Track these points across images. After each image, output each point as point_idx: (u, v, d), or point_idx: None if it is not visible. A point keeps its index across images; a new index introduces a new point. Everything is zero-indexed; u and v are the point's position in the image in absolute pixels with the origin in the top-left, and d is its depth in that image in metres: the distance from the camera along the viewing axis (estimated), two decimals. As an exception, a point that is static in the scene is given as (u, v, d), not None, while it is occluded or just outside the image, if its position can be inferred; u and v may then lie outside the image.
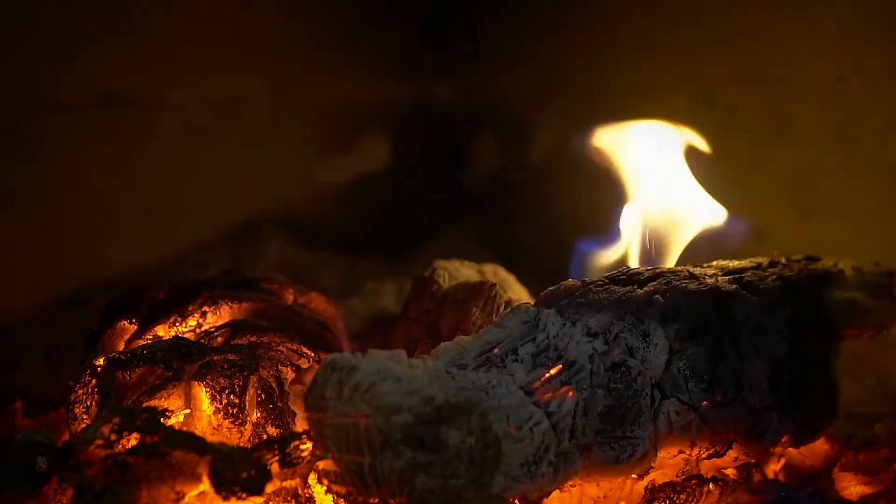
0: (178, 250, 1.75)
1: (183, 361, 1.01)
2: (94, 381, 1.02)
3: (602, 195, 1.28)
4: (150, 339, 1.10)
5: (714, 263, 1.05)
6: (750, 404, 0.95)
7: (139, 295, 1.16)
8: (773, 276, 0.99)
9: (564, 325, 0.95)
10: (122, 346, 1.12)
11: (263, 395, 1.03)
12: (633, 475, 0.98)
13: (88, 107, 1.61)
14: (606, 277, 1.02)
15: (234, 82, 1.77)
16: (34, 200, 1.56)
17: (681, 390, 0.94)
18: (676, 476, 1.01)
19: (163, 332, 1.10)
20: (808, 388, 0.97)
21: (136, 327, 1.12)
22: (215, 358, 1.02)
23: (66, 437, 1.06)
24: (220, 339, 1.10)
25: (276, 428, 1.03)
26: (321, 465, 0.86)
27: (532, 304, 1.00)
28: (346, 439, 0.83)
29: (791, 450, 1.07)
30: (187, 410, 1.00)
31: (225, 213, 1.83)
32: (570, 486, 0.95)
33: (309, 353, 1.10)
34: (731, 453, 0.98)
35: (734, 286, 0.98)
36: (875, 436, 1.17)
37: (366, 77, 1.95)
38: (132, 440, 0.86)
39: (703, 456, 0.98)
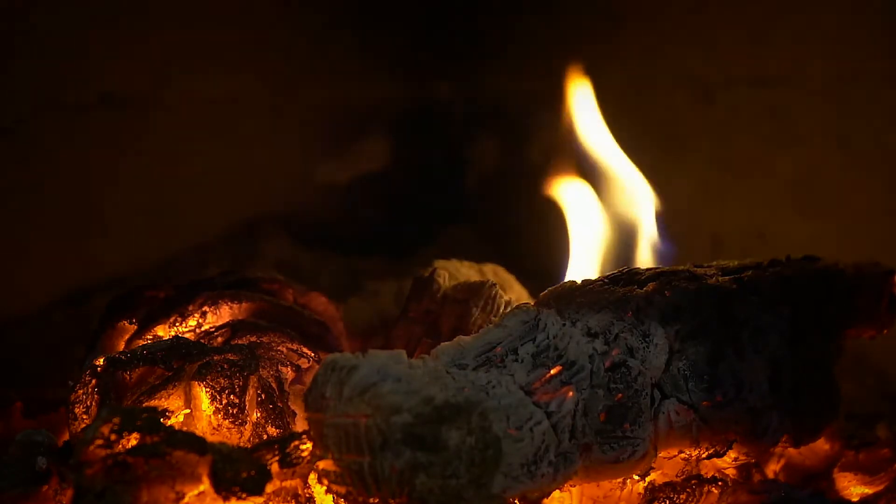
0: (178, 250, 1.75)
1: (183, 361, 1.01)
2: (94, 381, 1.02)
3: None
4: (150, 339, 1.10)
5: (714, 263, 1.04)
6: (750, 404, 0.95)
7: (139, 295, 1.16)
8: (773, 276, 0.99)
9: (564, 325, 0.95)
10: (122, 346, 1.12)
11: (263, 395, 1.03)
12: (633, 475, 0.98)
13: (88, 107, 1.61)
14: (606, 277, 1.02)
15: (234, 82, 1.77)
16: (34, 200, 1.56)
17: (681, 390, 0.94)
18: (676, 476, 1.01)
19: (163, 332, 1.10)
20: (808, 388, 0.97)
21: (136, 327, 1.12)
22: (215, 358, 1.02)
23: (66, 437, 1.06)
24: (220, 339, 1.10)
25: (276, 428, 1.03)
26: (321, 465, 0.86)
27: (532, 304, 1.00)
28: (346, 439, 0.83)
29: (791, 450, 1.07)
30: (187, 410, 1.00)
31: (225, 212, 1.83)
32: (570, 486, 0.95)
33: (309, 353, 1.10)
34: (731, 453, 0.98)
35: (734, 286, 0.98)
36: (875, 436, 1.17)
37: (366, 77, 1.95)
38: (132, 440, 0.86)
39: (703, 456, 0.98)
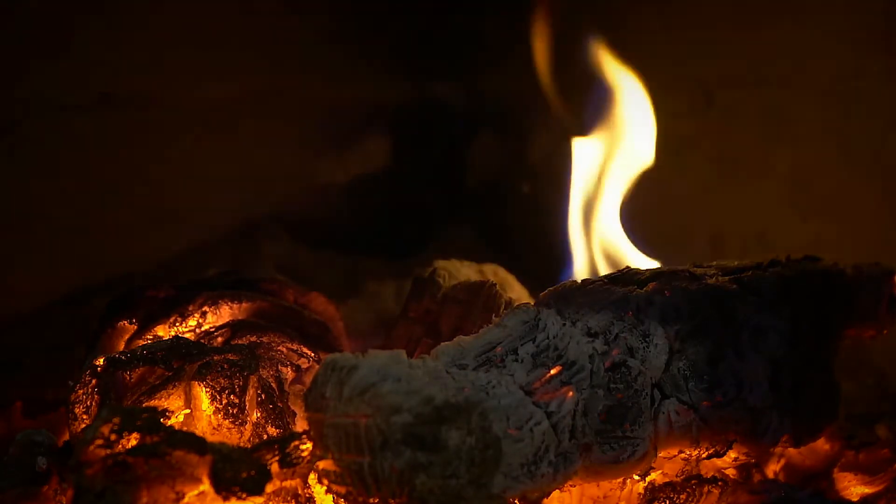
0: (178, 250, 1.75)
1: (183, 361, 1.01)
2: (94, 381, 1.02)
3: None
4: (150, 339, 1.10)
5: (714, 263, 1.05)
6: (750, 404, 0.95)
7: (139, 295, 1.16)
8: (773, 277, 1.00)
9: (564, 325, 0.95)
10: (122, 346, 1.12)
11: (263, 395, 1.03)
12: (634, 475, 0.98)
13: (88, 107, 1.61)
14: (606, 277, 1.02)
15: (234, 82, 1.77)
16: (34, 200, 1.56)
17: (681, 390, 0.94)
18: (676, 476, 1.01)
19: (163, 332, 1.10)
20: (808, 388, 0.97)
21: (136, 327, 1.12)
22: (215, 358, 1.02)
23: (66, 437, 1.06)
24: (220, 339, 1.10)
25: (276, 428, 1.03)
26: (321, 465, 0.86)
27: (532, 304, 1.00)
28: (346, 439, 0.83)
29: (791, 450, 1.07)
30: (187, 410, 1.00)
31: (225, 212, 1.83)
32: (570, 486, 0.95)
33: (309, 353, 1.10)
34: (731, 453, 0.98)
35: (734, 286, 0.98)
36: (875, 436, 1.17)
37: (366, 77, 1.95)
38: (132, 440, 0.86)
39: (703, 456, 0.98)
